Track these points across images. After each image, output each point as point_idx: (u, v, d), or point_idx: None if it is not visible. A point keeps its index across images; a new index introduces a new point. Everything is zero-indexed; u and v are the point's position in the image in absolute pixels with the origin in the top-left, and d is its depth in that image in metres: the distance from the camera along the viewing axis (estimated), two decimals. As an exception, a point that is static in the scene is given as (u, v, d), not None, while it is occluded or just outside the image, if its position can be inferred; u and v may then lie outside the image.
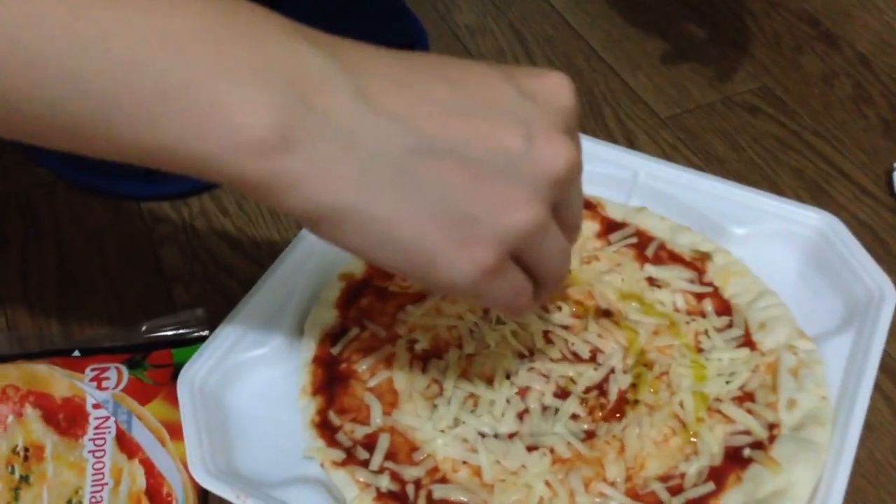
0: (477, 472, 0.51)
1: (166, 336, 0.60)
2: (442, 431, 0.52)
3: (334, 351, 0.56)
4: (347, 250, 0.40)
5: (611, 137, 0.76)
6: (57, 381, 0.55)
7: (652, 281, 0.60)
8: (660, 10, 0.90)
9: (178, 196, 0.72)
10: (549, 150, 0.39)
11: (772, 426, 0.52)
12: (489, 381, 0.54)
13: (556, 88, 0.41)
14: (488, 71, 0.40)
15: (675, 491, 0.50)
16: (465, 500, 0.50)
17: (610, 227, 0.63)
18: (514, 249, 0.39)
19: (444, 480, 0.51)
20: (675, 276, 0.60)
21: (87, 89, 0.33)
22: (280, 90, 0.35)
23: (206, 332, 0.60)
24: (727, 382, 0.54)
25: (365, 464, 0.51)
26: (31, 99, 0.34)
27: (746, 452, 0.51)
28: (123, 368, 0.56)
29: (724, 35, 0.87)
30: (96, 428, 0.54)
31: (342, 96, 0.36)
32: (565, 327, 0.57)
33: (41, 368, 0.56)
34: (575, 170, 0.40)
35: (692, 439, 0.52)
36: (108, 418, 0.54)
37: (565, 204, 0.42)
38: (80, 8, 0.32)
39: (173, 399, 0.53)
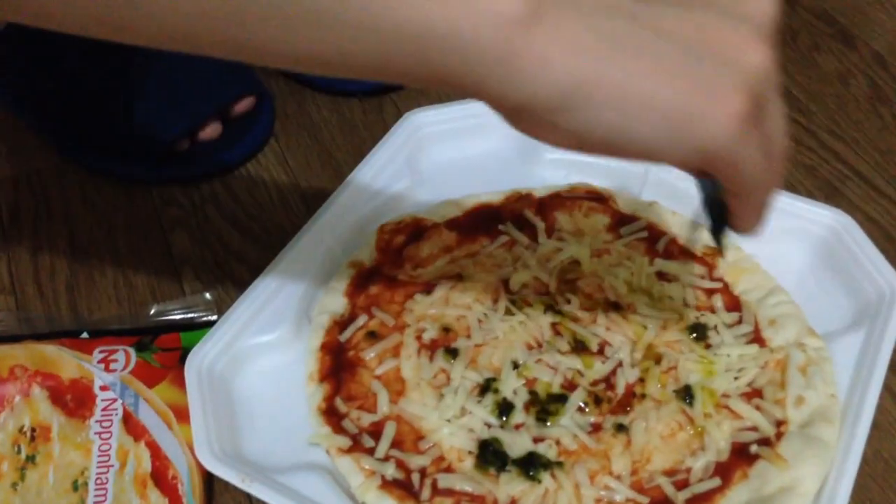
0: (482, 462, 0.51)
1: (174, 320, 0.60)
2: (448, 421, 0.52)
3: (342, 338, 0.56)
4: (595, 138, 0.38)
5: (624, 132, 0.75)
6: (65, 361, 0.56)
7: (662, 275, 0.60)
8: (676, 6, 0.90)
9: (189, 180, 0.72)
10: None
11: (779, 423, 0.52)
12: (497, 372, 0.54)
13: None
14: None
15: (681, 485, 0.50)
16: (470, 489, 0.49)
17: (621, 220, 0.63)
18: (758, 94, 0.38)
19: (449, 470, 0.50)
20: (685, 270, 0.60)
21: None
22: None
23: (214, 317, 0.60)
24: (735, 378, 0.54)
25: (371, 451, 0.51)
26: None
27: (753, 448, 0.50)
28: (131, 351, 0.56)
29: (739, 32, 0.87)
30: (103, 410, 0.54)
31: None
32: (574, 319, 0.57)
33: (49, 349, 0.56)
34: (778, 13, 0.40)
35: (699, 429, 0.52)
36: (115, 400, 0.54)
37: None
38: None
39: (180, 382, 0.53)
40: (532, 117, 0.38)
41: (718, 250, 0.50)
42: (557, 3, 0.36)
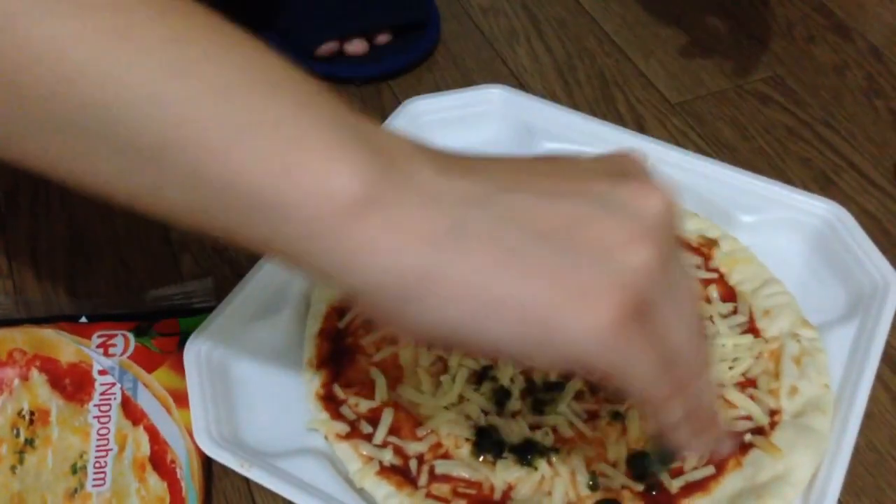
0: (479, 448, 0.51)
1: (173, 305, 0.60)
2: (446, 408, 0.53)
3: (340, 325, 0.57)
4: (445, 334, 0.34)
5: (621, 122, 0.76)
6: (64, 346, 0.56)
7: (658, 265, 0.60)
8: (673, -4, 0.90)
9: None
10: (639, 189, 0.35)
11: (773, 412, 0.52)
12: (493, 360, 0.55)
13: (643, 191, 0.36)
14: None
15: (676, 473, 0.50)
16: (468, 476, 0.50)
17: (618, 210, 0.63)
18: (641, 296, 0.33)
19: (446, 456, 0.51)
20: (681, 261, 0.60)
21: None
22: (363, 149, 0.32)
23: (212, 303, 0.60)
24: (730, 368, 0.55)
25: (368, 438, 0.51)
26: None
27: (747, 437, 0.51)
28: (130, 336, 0.57)
29: (737, 23, 0.87)
30: (102, 394, 0.54)
31: (421, 163, 0.34)
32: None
33: (48, 333, 0.56)
34: (674, 213, 0.35)
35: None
36: (113, 384, 0.55)
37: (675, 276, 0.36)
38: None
39: (179, 367, 0.54)
40: (371, 303, 0.35)
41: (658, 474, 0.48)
42: (402, 186, 0.33)
